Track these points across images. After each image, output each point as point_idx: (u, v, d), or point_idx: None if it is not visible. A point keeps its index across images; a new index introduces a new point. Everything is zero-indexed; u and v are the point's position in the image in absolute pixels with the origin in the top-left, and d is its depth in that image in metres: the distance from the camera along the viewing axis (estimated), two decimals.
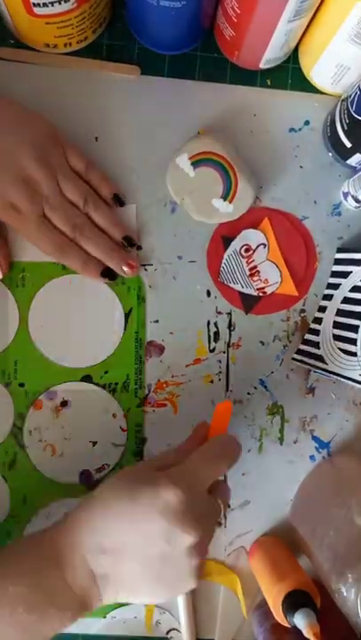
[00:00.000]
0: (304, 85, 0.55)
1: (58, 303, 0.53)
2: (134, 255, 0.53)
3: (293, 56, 0.55)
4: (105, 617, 0.54)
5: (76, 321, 0.53)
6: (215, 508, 0.42)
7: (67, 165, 0.50)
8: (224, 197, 0.52)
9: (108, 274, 0.52)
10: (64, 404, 0.53)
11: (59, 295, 0.53)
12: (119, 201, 0.52)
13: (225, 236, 0.54)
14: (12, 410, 0.53)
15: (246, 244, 0.54)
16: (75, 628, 0.52)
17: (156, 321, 0.54)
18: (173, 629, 0.54)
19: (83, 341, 0.53)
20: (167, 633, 0.54)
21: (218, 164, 0.52)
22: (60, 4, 0.46)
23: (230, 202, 0.52)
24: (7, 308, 0.53)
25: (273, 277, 0.54)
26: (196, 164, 0.52)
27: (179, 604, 0.54)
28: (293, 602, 0.46)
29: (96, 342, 0.54)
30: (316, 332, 0.54)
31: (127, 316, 0.54)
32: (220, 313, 0.55)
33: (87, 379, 0.53)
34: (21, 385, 0.53)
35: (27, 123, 0.49)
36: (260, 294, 0.55)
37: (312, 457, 0.56)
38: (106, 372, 0.54)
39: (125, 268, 0.51)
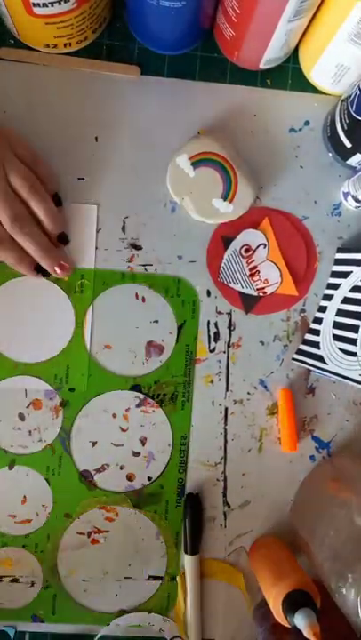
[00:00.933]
0: (304, 85, 0.55)
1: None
2: (65, 256, 0.53)
3: (293, 56, 0.55)
4: (108, 624, 0.54)
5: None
6: None
7: (13, 156, 0.49)
8: (224, 197, 0.52)
9: (42, 270, 0.51)
10: (63, 404, 0.53)
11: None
12: (58, 201, 0.52)
13: (225, 236, 0.54)
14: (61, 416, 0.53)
15: (246, 244, 0.54)
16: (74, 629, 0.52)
17: (156, 321, 0.54)
18: (177, 637, 0.54)
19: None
20: None
21: (218, 164, 0.52)
22: (59, 4, 0.46)
23: (230, 202, 0.52)
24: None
25: (273, 277, 0.54)
26: (196, 164, 0.52)
27: (187, 609, 0.54)
28: (293, 602, 0.45)
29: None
30: (317, 332, 0.54)
31: (180, 328, 0.54)
32: (220, 313, 0.55)
33: (136, 388, 0.54)
34: (72, 390, 0.53)
35: None
36: (261, 294, 0.55)
37: (312, 457, 0.56)
38: (156, 382, 0.54)
39: (57, 269, 0.51)
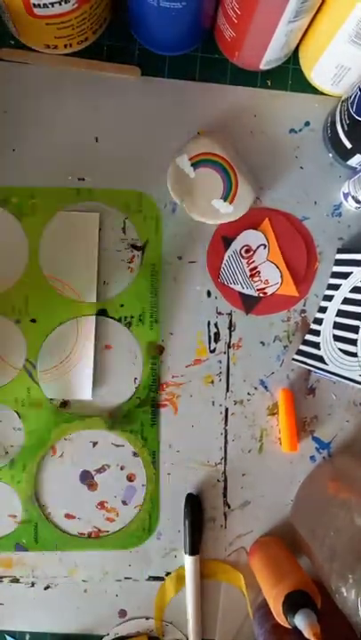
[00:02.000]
0: (304, 86, 0.55)
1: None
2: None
3: (294, 57, 0.55)
4: (108, 634, 0.54)
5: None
6: None
7: None
8: (224, 198, 0.53)
9: None
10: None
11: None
12: None
13: (225, 236, 0.54)
14: (25, 347, 0.52)
15: (247, 245, 0.54)
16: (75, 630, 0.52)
17: (156, 321, 0.54)
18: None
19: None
20: None
21: (218, 164, 0.52)
22: (60, 4, 0.46)
23: (231, 202, 0.53)
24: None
25: (273, 278, 0.55)
26: (196, 164, 0.52)
27: (188, 609, 0.54)
28: (294, 602, 0.45)
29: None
30: (317, 333, 0.54)
31: (143, 247, 0.53)
32: (220, 313, 0.55)
33: (103, 313, 0.53)
34: (33, 321, 0.52)
35: None
36: (261, 295, 0.55)
37: (312, 457, 0.56)
38: (122, 306, 0.53)
39: None
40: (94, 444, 0.54)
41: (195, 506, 0.54)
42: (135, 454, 0.54)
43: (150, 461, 0.54)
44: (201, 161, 0.52)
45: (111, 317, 0.53)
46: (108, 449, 0.54)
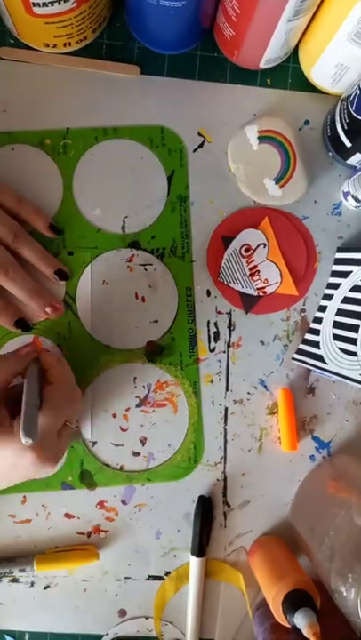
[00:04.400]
0: (304, 85, 0.55)
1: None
2: (61, 293, 0.53)
3: (293, 56, 0.55)
4: (107, 634, 0.54)
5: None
6: (59, 447, 0.46)
7: None
8: (277, 180, 0.53)
9: (22, 324, 0.51)
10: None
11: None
12: (55, 230, 0.52)
13: (225, 235, 0.54)
14: (63, 283, 0.53)
15: (246, 244, 0.54)
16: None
17: (156, 321, 0.54)
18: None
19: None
20: None
21: (283, 146, 0.53)
22: (59, 3, 0.46)
23: (281, 187, 0.53)
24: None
25: (273, 277, 0.54)
26: (262, 139, 0.53)
27: (188, 609, 0.54)
28: (293, 602, 0.45)
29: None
30: (317, 332, 0.54)
31: (170, 178, 0.54)
32: (220, 313, 0.55)
33: (135, 245, 0.54)
34: (70, 254, 0.53)
35: None
36: (261, 294, 0.55)
37: (312, 457, 0.56)
38: (153, 238, 0.54)
39: (48, 310, 0.51)
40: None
41: (206, 508, 0.54)
42: (176, 385, 0.54)
43: (192, 392, 0.54)
44: (268, 137, 0.53)
45: (143, 249, 0.54)
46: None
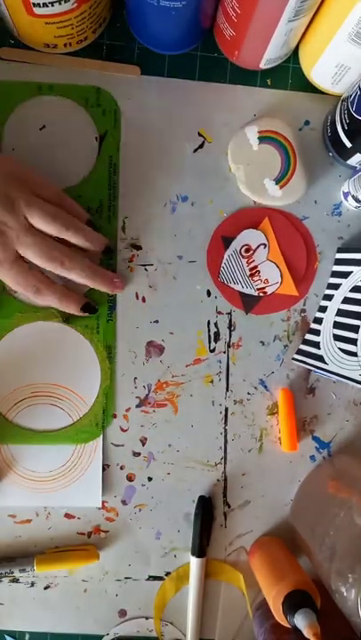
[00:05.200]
0: (304, 85, 0.55)
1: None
2: (110, 272, 0.52)
3: (294, 56, 0.55)
4: (108, 634, 0.54)
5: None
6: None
7: (34, 198, 0.48)
8: (277, 181, 0.53)
9: (89, 308, 0.51)
10: None
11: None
12: (93, 225, 0.51)
13: (225, 236, 0.54)
14: None
15: (246, 244, 0.54)
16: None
17: (156, 321, 0.54)
18: None
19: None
20: None
21: (283, 147, 0.53)
22: (59, 3, 0.46)
23: (281, 187, 0.53)
24: None
25: (273, 277, 0.54)
26: (262, 139, 0.53)
27: (188, 609, 0.54)
28: (293, 602, 0.45)
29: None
30: (317, 332, 0.54)
31: (102, 138, 0.53)
32: (220, 313, 0.55)
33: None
34: None
35: None
36: (261, 294, 0.55)
37: (312, 457, 0.56)
38: (79, 197, 0.52)
39: (116, 282, 0.52)
40: (135, 378, 0.54)
41: (206, 508, 0.54)
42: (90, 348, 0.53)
43: (106, 356, 0.54)
44: (268, 137, 0.53)
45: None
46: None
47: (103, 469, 0.54)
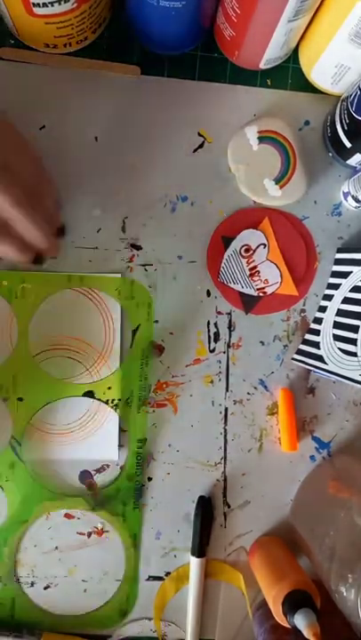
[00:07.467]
0: (304, 85, 0.55)
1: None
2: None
3: (294, 56, 0.55)
4: (111, 636, 0.54)
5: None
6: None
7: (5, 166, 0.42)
8: (276, 181, 0.53)
9: (37, 260, 0.46)
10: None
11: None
12: (62, 232, 0.49)
13: (225, 236, 0.54)
14: (10, 424, 0.52)
15: (246, 244, 0.54)
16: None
17: (156, 321, 0.54)
18: None
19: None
20: None
21: (283, 147, 0.53)
22: (59, 4, 0.46)
23: (281, 187, 0.53)
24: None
25: (273, 277, 0.54)
26: (262, 139, 0.53)
27: (188, 609, 0.54)
28: (293, 602, 0.45)
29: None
30: (317, 332, 0.54)
31: (135, 332, 0.53)
32: (220, 313, 0.55)
33: (89, 394, 0.53)
34: (20, 399, 0.52)
35: None
36: (261, 294, 0.55)
37: (312, 457, 0.56)
38: (109, 389, 0.53)
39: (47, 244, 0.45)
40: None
41: (206, 508, 0.54)
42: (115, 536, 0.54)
43: (131, 544, 0.54)
44: (268, 137, 0.53)
45: (98, 399, 0.53)
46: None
47: (103, 469, 0.54)
